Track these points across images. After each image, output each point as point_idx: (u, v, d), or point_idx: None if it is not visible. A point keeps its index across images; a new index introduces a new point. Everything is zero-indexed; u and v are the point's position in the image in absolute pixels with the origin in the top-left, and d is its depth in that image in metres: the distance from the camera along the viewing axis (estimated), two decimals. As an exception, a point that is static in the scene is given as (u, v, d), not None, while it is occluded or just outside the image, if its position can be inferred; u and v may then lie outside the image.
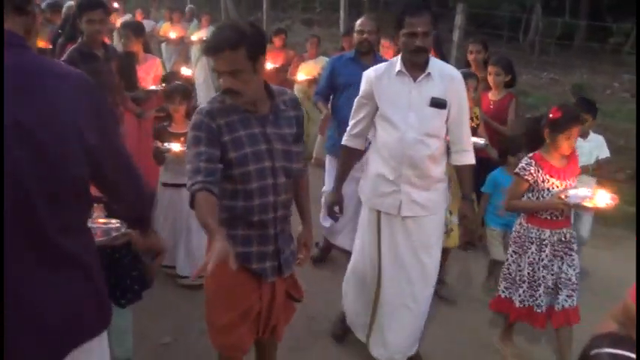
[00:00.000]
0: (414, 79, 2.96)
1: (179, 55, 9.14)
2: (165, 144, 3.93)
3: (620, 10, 12.80)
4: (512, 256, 3.35)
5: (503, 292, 3.38)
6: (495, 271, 4.16)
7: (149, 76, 5.16)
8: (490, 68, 4.70)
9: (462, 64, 5.38)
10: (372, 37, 4.33)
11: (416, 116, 2.95)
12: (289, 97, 2.54)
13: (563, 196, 3.07)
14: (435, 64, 3.01)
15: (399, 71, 2.98)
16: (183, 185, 3.54)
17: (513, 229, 3.39)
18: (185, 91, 4.20)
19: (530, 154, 3.24)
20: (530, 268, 3.24)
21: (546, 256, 3.21)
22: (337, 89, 4.39)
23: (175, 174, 4.03)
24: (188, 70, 5.87)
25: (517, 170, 3.24)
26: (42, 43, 5.08)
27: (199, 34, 9.01)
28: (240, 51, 2.21)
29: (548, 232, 3.20)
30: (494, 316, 3.82)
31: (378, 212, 3.13)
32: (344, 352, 3.51)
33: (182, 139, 3.73)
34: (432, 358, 3.47)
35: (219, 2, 14.36)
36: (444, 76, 2.99)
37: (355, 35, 4.38)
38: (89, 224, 2.43)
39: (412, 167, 2.99)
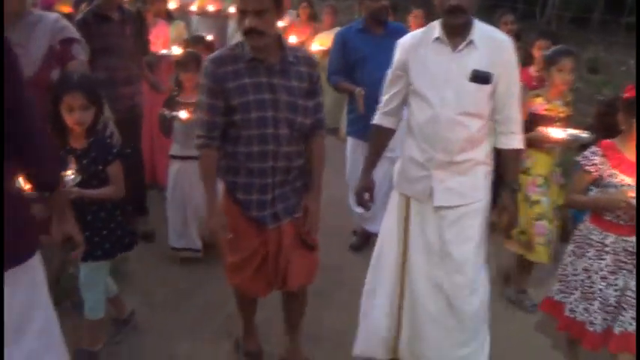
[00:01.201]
0: (454, 48, 2.52)
1: (218, 32, 8.91)
2: (173, 112, 3.75)
3: (639, -14, 12.65)
4: (570, 256, 2.87)
5: (557, 294, 2.92)
6: None
7: (158, 40, 5.16)
8: (539, 42, 4.53)
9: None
10: (388, 2, 3.93)
11: (453, 92, 2.52)
12: (303, 54, 2.59)
13: (630, 195, 2.53)
14: (480, 28, 2.54)
15: (437, 38, 2.54)
16: (191, 158, 3.70)
17: (578, 226, 2.91)
18: (199, 59, 3.87)
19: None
20: (586, 275, 2.77)
21: (607, 265, 2.70)
22: (353, 66, 3.92)
23: (183, 146, 3.87)
24: (210, 35, 5.93)
25: (579, 158, 2.77)
26: (66, 9, 5.18)
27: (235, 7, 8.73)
28: None
29: (612, 238, 2.69)
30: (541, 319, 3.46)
31: (408, 198, 2.76)
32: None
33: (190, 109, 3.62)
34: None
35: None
36: (491, 43, 2.52)
37: (369, 2, 3.89)
38: None
39: (446, 151, 2.57)
